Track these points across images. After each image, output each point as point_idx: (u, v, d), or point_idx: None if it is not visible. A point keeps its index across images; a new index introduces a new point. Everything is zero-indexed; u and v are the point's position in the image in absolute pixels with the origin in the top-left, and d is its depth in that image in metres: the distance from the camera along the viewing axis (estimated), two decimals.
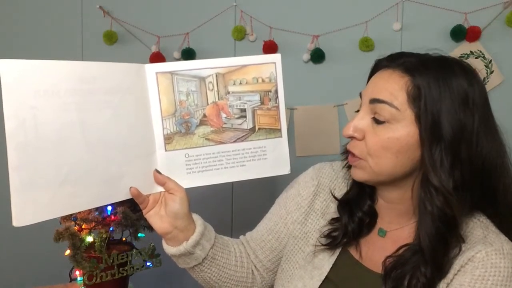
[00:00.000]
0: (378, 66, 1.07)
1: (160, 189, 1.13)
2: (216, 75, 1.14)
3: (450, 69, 0.99)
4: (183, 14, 2.13)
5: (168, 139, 1.12)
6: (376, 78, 1.05)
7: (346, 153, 1.11)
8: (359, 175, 1.07)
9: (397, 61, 1.02)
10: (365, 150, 1.03)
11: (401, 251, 1.04)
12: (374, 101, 1.01)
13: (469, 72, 1.00)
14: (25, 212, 0.94)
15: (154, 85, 1.10)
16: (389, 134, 0.99)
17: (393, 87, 0.99)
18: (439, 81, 0.96)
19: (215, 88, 1.14)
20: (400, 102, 0.98)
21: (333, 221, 1.17)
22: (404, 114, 0.98)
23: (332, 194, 1.19)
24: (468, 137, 0.96)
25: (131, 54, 2.13)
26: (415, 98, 0.97)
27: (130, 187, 1.08)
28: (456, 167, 0.96)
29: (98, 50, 2.15)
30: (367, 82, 1.08)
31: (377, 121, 1.01)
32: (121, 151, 1.06)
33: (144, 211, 1.13)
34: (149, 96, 1.10)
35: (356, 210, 1.14)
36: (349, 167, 1.14)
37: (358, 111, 1.07)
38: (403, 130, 0.98)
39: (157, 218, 1.12)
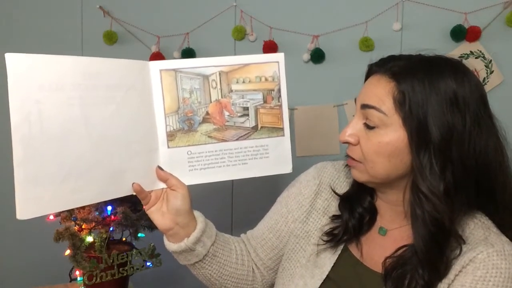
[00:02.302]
0: (370, 71, 1.08)
1: (162, 185, 1.13)
2: (220, 73, 1.15)
3: (437, 70, 0.98)
4: (183, 14, 2.13)
5: (170, 136, 1.13)
6: (367, 83, 1.06)
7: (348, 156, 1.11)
8: (359, 176, 1.07)
9: (386, 65, 1.03)
10: (362, 155, 1.04)
11: (400, 251, 1.04)
12: (364, 106, 1.02)
13: (460, 71, 0.99)
14: (28, 205, 0.94)
15: (157, 82, 1.11)
16: (379, 139, 1.00)
17: (381, 93, 1.00)
18: (425, 84, 0.96)
19: (218, 86, 1.15)
20: (388, 107, 0.98)
21: (334, 217, 1.17)
22: (391, 119, 0.98)
23: (333, 190, 1.19)
24: (459, 137, 0.96)
25: (131, 54, 2.13)
26: (401, 103, 0.97)
27: (133, 183, 1.08)
28: (447, 169, 0.96)
29: (98, 50, 2.15)
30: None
31: (368, 126, 1.02)
32: (123, 147, 1.06)
33: (146, 207, 1.13)
34: (153, 93, 1.11)
35: (356, 206, 1.14)
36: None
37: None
38: (392, 135, 0.98)
39: (158, 214, 1.12)
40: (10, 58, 0.91)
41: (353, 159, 1.06)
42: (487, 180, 1.01)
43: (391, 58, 1.05)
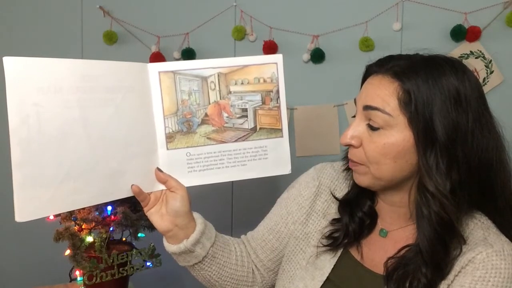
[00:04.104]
0: (368, 72, 1.07)
1: (162, 187, 1.13)
2: (218, 75, 1.15)
3: (439, 68, 0.98)
4: (183, 14, 2.14)
5: (169, 137, 1.13)
6: (368, 84, 1.05)
7: (347, 158, 1.11)
8: (362, 181, 1.07)
9: (386, 65, 1.02)
10: (364, 157, 1.03)
11: (402, 252, 1.04)
12: (367, 108, 1.01)
13: (459, 69, 0.99)
14: (27, 207, 0.94)
15: (156, 84, 1.11)
16: (384, 140, 0.99)
17: (384, 93, 0.99)
18: (429, 83, 0.96)
19: (217, 88, 1.15)
20: (392, 108, 0.98)
21: (334, 221, 1.17)
22: (397, 120, 0.98)
23: (332, 194, 1.19)
24: (463, 135, 0.95)
25: (131, 54, 2.13)
26: (406, 103, 0.96)
27: (132, 185, 1.08)
28: (453, 168, 0.96)
29: (98, 50, 2.15)
30: (360, 88, 1.08)
31: (372, 128, 1.01)
32: (123, 149, 1.06)
33: (145, 209, 1.13)
34: (152, 95, 1.11)
35: (356, 211, 1.13)
36: (349, 168, 1.14)
37: (354, 116, 1.07)
38: (398, 136, 0.98)
39: (158, 216, 1.12)
40: (8, 61, 0.91)
41: (355, 162, 1.06)
42: (489, 178, 1.00)
43: (390, 58, 1.04)
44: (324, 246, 1.14)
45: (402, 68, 0.99)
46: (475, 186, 0.99)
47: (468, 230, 1.02)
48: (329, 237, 1.14)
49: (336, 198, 1.18)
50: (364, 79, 1.08)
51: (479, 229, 1.02)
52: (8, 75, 0.91)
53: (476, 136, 0.97)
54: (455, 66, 0.99)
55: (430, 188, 0.96)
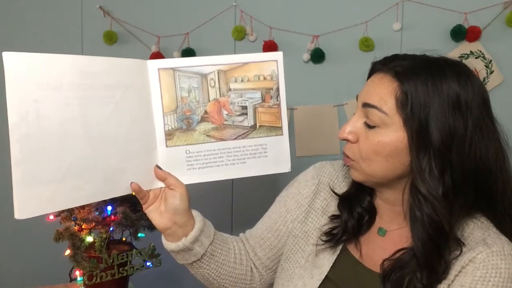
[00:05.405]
0: (373, 69, 1.08)
1: (161, 184, 1.13)
2: (218, 72, 1.14)
3: (441, 72, 0.97)
4: (183, 14, 2.14)
5: (169, 135, 1.13)
6: (370, 82, 1.05)
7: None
8: (355, 176, 1.07)
9: (389, 64, 1.02)
10: (358, 153, 1.03)
11: (398, 254, 1.03)
12: (365, 105, 1.02)
13: (463, 74, 0.98)
14: (27, 205, 0.94)
15: (156, 81, 1.11)
16: (378, 139, 0.99)
17: (383, 92, 0.99)
18: (428, 86, 0.95)
19: (217, 85, 1.15)
20: (389, 107, 0.98)
21: (333, 217, 1.17)
22: (392, 119, 0.98)
23: (332, 190, 1.19)
24: (460, 141, 0.95)
25: (131, 54, 2.12)
26: (403, 104, 0.96)
27: (131, 182, 1.08)
28: (446, 173, 0.96)
29: (98, 50, 2.15)
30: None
31: (368, 126, 1.01)
32: (122, 146, 1.06)
33: (144, 207, 1.13)
34: (151, 92, 1.11)
35: (355, 206, 1.14)
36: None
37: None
38: (392, 135, 0.98)
39: (156, 213, 1.12)
40: (8, 57, 0.90)
41: (348, 157, 1.06)
42: (487, 185, 1.00)
43: (395, 57, 1.04)
44: (323, 242, 1.14)
45: (404, 68, 0.99)
46: (471, 192, 0.99)
47: (468, 230, 1.02)
48: (328, 233, 1.15)
49: (336, 194, 1.18)
50: (369, 76, 1.09)
51: (479, 229, 1.02)
52: (8, 71, 0.90)
53: (474, 143, 0.96)
54: (459, 71, 0.99)
55: (422, 190, 0.96)
